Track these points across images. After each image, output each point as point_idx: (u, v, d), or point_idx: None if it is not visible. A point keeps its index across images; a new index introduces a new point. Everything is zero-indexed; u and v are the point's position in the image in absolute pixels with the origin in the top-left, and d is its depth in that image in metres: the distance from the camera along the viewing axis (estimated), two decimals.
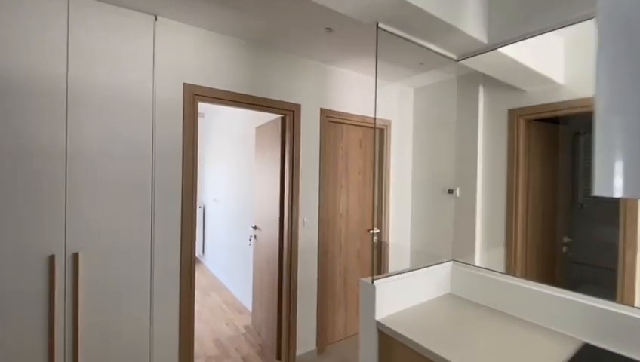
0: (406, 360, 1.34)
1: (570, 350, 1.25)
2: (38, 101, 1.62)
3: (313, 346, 2.74)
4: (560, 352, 1.23)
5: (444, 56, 1.91)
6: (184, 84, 2.06)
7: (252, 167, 3.62)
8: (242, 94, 2.31)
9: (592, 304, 1.32)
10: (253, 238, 3.28)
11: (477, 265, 1.85)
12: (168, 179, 2.01)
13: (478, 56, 1.88)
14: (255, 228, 3.21)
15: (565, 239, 1.75)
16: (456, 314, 1.55)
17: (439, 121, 3.03)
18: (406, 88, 3.29)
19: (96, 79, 1.77)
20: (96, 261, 1.77)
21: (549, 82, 1.76)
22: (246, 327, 3.26)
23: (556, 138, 1.80)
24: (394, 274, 1.60)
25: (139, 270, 1.91)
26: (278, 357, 2.65)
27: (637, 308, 1.24)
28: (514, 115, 1.92)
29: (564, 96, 1.69)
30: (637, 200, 1.35)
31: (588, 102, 1.58)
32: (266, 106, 2.44)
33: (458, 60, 1.96)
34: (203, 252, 5.67)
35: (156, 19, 1.95)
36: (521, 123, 1.91)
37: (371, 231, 3.23)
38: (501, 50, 1.77)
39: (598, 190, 0.81)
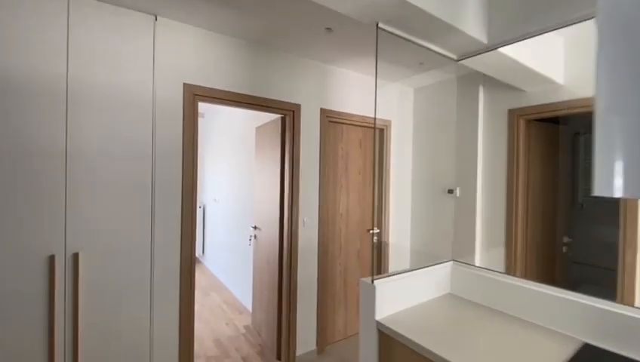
0: (406, 360, 1.34)
1: (570, 350, 1.25)
2: (38, 101, 1.62)
3: (313, 346, 2.74)
4: (560, 352, 1.23)
5: (444, 56, 1.91)
6: (184, 84, 2.06)
7: (252, 167, 3.62)
8: (242, 94, 2.31)
9: (592, 304, 1.32)
10: (253, 238, 3.28)
11: (477, 265, 1.85)
12: (168, 179, 2.01)
13: (478, 56, 1.88)
14: (255, 228, 3.21)
15: (565, 239, 1.76)
16: (457, 314, 1.55)
17: (439, 121, 3.03)
18: (406, 88, 3.29)
19: (97, 79, 1.77)
20: (96, 261, 1.77)
21: (549, 82, 1.75)
22: (246, 327, 3.26)
23: (556, 138, 1.80)
24: (394, 274, 1.60)
25: (139, 270, 1.91)
26: (278, 357, 2.65)
27: (637, 308, 1.24)
28: (514, 115, 1.92)
29: (564, 96, 1.70)
30: (637, 200, 1.35)
31: (588, 102, 1.58)
32: (266, 106, 2.44)
33: (458, 60, 1.96)
34: (203, 252, 5.67)
35: (156, 20, 1.95)
36: (521, 123, 1.91)
37: (371, 231, 3.23)
38: (501, 50, 1.77)
39: (598, 190, 0.81)
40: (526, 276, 1.70)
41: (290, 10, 1.83)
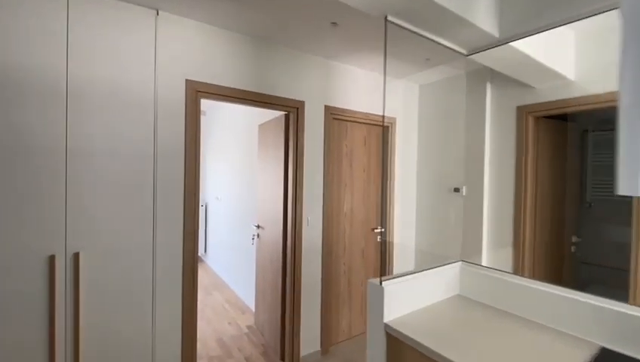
0: None
1: (586, 354, 1.20)
2: (39, 98, 1.59)
3: (317, 346, 2.71)
4: (577, 356, 1.19)
5: (453, 50, 1.86)
6: (186, 80, 2.02)
7: (255, 165, 3.59)
8: (245, 91, 2.26)
9: (608, 306, 1.28)
10: (256, 237, 3.24)
11: (484, 265, 1.81)
12: (170, 178, 1.98)
13: (489, 50, 1.83)
14: (258, 226, 3.18)
15: (574, 239, 1.72)
16: (467, 317, 1.51)
17: (445, 118, 2.98)
18: (411, 85, 3.24)
19: (97, 76, 1.73)
20: (97, 261, 1.74)
21: (560, 78, 1.71)
22: (249, 327, 3.24)
23: (564, 135, 1.77)
24: (402, 276, 1.56)
25: (140, 269, 1.88)
26: (282, 358, 2.62)
27: None
28: (523, 111, 1.89)
29: (574, 93, 1.65)
30: None
31: (599, 99, 1.54)
32: (270, 103, 2.39)
33: (468, 55, 1.91)
34: (205, 250, 5.65)
35: (157, 14, 1.91)
36: (530, 120, 1.87)
37: (378, 230, 3.19)
38: (512, 44, 1.71)
39: (623, 189, 0.77)
40: (535, 276, 1.66)
41: (295, 3, 1.78)
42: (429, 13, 1.52)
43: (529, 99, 1.84)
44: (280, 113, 2.76)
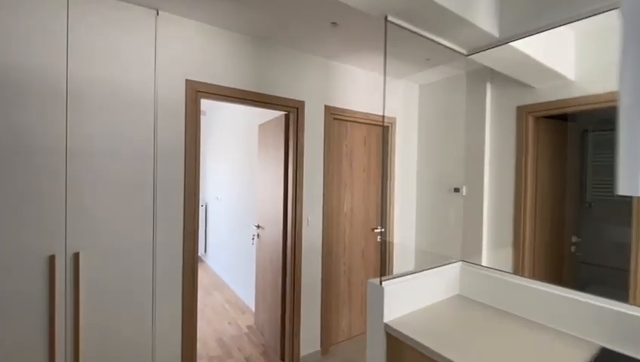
0: None
1: (587, 355, 1.20)
2: (39, 98, 1.58)
3: (317, 346, 2.71)
4: (577, 356, 1.19)
5: (453, 50, 1.86)
6: (186, 80, 2.02)
7: (255, 165, 3.59)
8: (245, 91, 2.26)
9: (610, 307, 1.27)
10: (256, 237, 3.24)
11: (484, 265, 1.81)
12: (170, 178, 1.98)
13: (489, 50, 1.83)
14: (258, 226, 3.18)
15: (574, 239, 1.72)
16: (467, 317, 1.51)
17: (445, 118, 2.98)
18: (411, 85, 3.24)
19: (97, 75, 1.73)
20: (97, 261, 1.74)
21: (560, 78, 1.71)
22: (249, 327, 3.23)
23: (564, 135, 1.77)
24: (402, 275, 1.56)
25: (140, 269, 1.87)
26: (282, 358, 2.62)
27: None
28: (523, 111, 1.89)
29: (574, 93, 1.66)
30: None
31: (599, 99, 1.54)
32: (270, 103, 2.39)
33: (468, 55, 1.91)
34: (205, 250, 5.65)
35: (157, 14, 1.91)
36: (530, 120, 1.87)
37: (378, 230, 3.18)
38: (513, 44, 1.71)
39: (623, 189, 0.77)
40: (535, 276, 1.66)
41: (295, 3, 1.78)
42: (429, 13, 1.52)
43: (529, 99, 1.84)
44: (280, 113, 2.76)
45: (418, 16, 1.55)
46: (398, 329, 1.36)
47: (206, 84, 2.10)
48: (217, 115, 5.04)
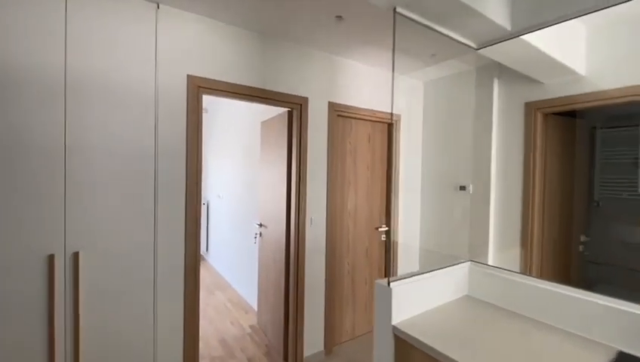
0: None
1: (603, 359, 1.16)
2: (36, 94, 1.55)
3: (321, 347, 2.67)
4: (593, 361, 1.14)
5: (463, 44, 1.80)
6: (188, 75, 1.98)
7: (257, 163, 3.54)
8: (248, 87, 2.22)
9: (627, 309, 1.22)
10: (258, 236, 3.20)
11: (491, 264, 1.76)
12: (172, 176, 1.94)
13: (499, 44, 1.77)
14: (260, 225, 3.14)
15: (582, 238, 1.68)
16: (476, 318, 1.46)
17: (451, 115, 2.94)
18: (415, 82, 3.19)
19: (96, 70, 1.69)
20: (97, 260, 1.71)
21: (570, 73, 1.67)
22: (252, 327, 3.20)
23: (573, 132, 1.73)
24: (411, 276, 1.51)
25: (141, 269, 1.84)
26: (285, 358, 2.59)
27: None
28: (531, 108, 1.84)
29: (585, 88, 1.61)
30: None
31: (611, 95, 1.50)
32: (273, 99, 2.35)
33: (478, 49, 1.85)
34: (207, 249, 5.62)
35: (158, 7, 1.86)
36: (539, 116, 1.83)
37: (382, 229, 3.14)
38: (524, 37, 1.66)
39: None
40: (543, 276, 1.62)
41: None
42: (439, 4, 1.46)
43: (537, 95, 1.80)
44: (283, 110, 2.71)
45: (427, 8, 1.49)
46: (406, 331, 1.32)
47: (208, 79, 2.05)
48: (219, 112, 5.00)
